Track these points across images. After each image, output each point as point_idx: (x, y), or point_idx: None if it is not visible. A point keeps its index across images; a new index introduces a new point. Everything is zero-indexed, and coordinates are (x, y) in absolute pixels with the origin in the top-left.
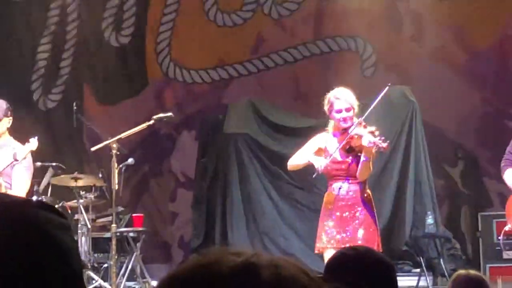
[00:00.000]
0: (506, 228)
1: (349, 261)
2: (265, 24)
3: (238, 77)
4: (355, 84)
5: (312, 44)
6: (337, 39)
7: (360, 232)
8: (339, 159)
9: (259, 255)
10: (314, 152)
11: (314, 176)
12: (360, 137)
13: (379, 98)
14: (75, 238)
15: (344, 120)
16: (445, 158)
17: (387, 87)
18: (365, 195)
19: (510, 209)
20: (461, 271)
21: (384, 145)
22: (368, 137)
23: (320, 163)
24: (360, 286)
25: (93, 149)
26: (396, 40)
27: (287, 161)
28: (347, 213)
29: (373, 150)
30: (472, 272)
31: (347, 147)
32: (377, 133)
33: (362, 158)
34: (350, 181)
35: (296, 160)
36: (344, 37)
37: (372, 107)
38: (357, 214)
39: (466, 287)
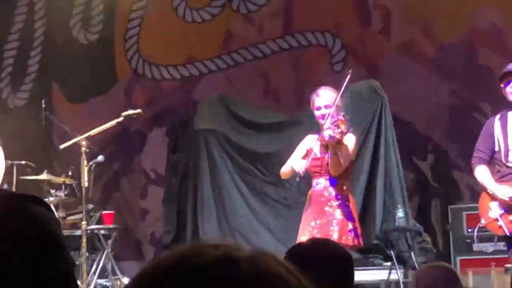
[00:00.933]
0: (480, 224)
1: (307, 252)
2: (233, 20)
3: (207, 73)
4: (325, 79)
5: (281, 39)
6: (306, 34)
7: (335, 228)
8: (318, 155)
9: (238, 248)
10: (304, 155)
11: (297, 180)
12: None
13: (342, 88)
14: None
15: (323, 117)
16: (414, 152)
17: (348, 76)
18: (342, 191)
19: (482, 206)
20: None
21: (337, 136)
22: (328, 131)
23: (300, 166)
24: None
25: (62, 146)
26: (365, 34)
27: (258, 157)
28: (324, 209)
29: (335, 143)
30: (438, 264)
31: (324, 143)
32: (342, 126)
33: (328, 154)
34: (327, 177)
35: (284, 168)
36: (313, 32)
37: (338, 97)
38: (331, 210)
39: (433, 277)
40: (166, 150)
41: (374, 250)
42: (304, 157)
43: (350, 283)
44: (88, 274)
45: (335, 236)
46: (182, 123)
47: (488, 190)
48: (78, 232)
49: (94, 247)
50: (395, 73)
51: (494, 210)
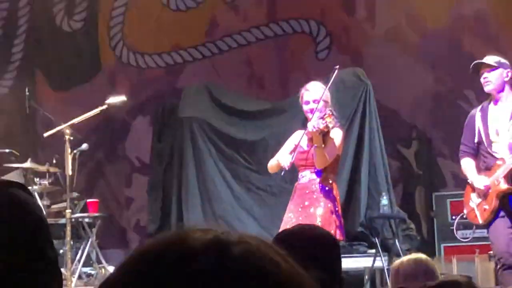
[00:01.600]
0: (462, 214)
1: (294, 237)
2: (218, 8)
3: (192, 61)
4: (309, 67)
5: (265, 27)
6: (291, 21)
7: (317, 220)
8: (305, 149)
9: (228, 232)
10: (292, 150)
11: (282, 174)
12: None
13: (330, 83)
14: None
15: (311, 111)
16: (399, 139)
17: (335, 71)
18: (327, 184)
19: (465, 197)
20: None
21: (321, 126)
22: (312, 122)
23: (285, 161)
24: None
25: (45, 134)
26: (350, 22)
27: (242, 144)
28: (307, 202)
29: (318, 134)
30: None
31: (309, 136)
32: (328, 119)
33: (313, 147)
34: (312, 170)
35: (270, 162)
36: (297, 19)
37: (325, 92)
38: (316, 203)
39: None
40: (151, 138)
41: (359, 238)
42: (292, 151)
43: (338, 269)
44: (72, 263)
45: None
46: (166, 111)
47: (468, 181)
48: (62, 221)
49: (78, 236)
50: (379, 61)
51: (473, 200)
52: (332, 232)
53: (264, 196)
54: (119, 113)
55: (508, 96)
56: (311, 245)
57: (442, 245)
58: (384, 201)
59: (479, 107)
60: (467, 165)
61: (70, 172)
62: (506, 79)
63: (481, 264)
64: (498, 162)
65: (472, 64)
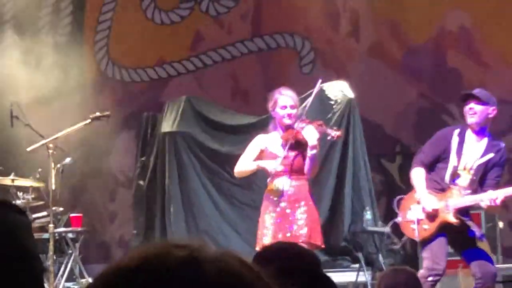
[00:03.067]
0: (396, 220)
1: (274, 255)
2: (202, 22)
3: (176, 75)
4: (294, 81)
5: (250, 42)
6: (275, 36)
7: (304, 230)
8: (283, 155)
9: (203, 249)
10: (257, 155)
11: (268, 180)
12: (303, 130)
13: (313, 94)
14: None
15: (289, 116)
16: (383, 153)
17: (319, 82)
18: (308, 190)
19: (405, 204)
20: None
21: (338, 133)
22: (319, 128)
23: (273, 166)
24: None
25: (29, 149)
26: (334, 37)
27: (226, 158)
28: (289, 210)
29: (328, 138)
30: (400, 268)
31: (293, 142)
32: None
33: (311, 152)
34: (293, 177)
35: (243, 167)
36: (282, 34)
37: (308, 104)
38: (301, 210)
39: (394, 280)
40: (135, 152)
41: (342, 252)
42: (261, 157)
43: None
44: (55, 277)
45: (301, 237)
46: (150, 125)
47: (416, 194)
48: (45, 235)
49: (61, 250)
50: (363, 75)
51: (414, 213)
52: (318, 239)
53: (247, 210)
54: (104, 127)
55: (485, 133)
56: (293, 264)
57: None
58: (368, 215)
59: (458, 131)
60: (419, 177)
61: (53, 187)
62: (490, 115)
63: (464, 279)
64: (454, 191)
65: (463, 92)
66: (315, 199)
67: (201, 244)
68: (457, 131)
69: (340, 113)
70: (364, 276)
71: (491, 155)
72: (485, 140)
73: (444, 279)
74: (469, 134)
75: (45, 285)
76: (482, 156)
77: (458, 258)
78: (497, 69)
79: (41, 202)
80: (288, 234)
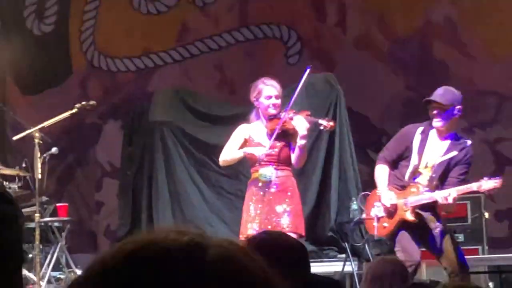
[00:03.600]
0: (361, 217)
1: (262, 245)
2: (189, 12)
3: (163, 65)
4: (280, 72)
5: (236, 32)
6: (262, 26)
7: (287, 220)
8: (267, 144)
9: (203, 235)
10: (241, 144)
11: (257, 165)
12: (293, 120)
13: (302, 82)
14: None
15: (274, 106)
16: (369, 144)
17: (307, 70)
18: (293, 180)
19: (369, 201)
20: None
21: (331, 123)
22: (309, 118)
23: (262, 152)
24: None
25: (15, 138)
26: (321, 28)
27: (213, 149)
28: (274, 200)
29: (321, 128)
30: (388, 257)
31: (280, 131)
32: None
33: (301, 142)
34: (278, 167)
35: (228, 155)
36: (268, 24)
37: (297, 91)
38: (286, 201)
39: (381, 269)
40: (121, 142)
41: (329, 242)
42: (244, 146)
43: (307, 275)
44: (41, 267)
45: (285, 226)
46: (137, 115)
47: (377, 191)
48: (31, 225)
49: (47, 240)
50: (350, 66)
51: (376, 210)
52: (301, 228)
53: (234, 200)
54: (90, 117)
55: (450, 132)
56: (280, 253)
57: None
58: (354, 206)
59: (421, 129)
60: (382, 174)
61: (39, 176)
62: (457, 115)
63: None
64: (412, 189)
65: (424, 100)
66: (302, 189)
67: (203, 231)
68: (420, 129)
69: (326, 105)
70: (351, 266)
71: (454, 153)
72: (449, 139)
73: (431, 269)
74: (433, 133)
75: (31, 274)
76: (444, 154)
77: (422, 249)
78: (483, 60)
79: (27, 192)
80: (274, 223)
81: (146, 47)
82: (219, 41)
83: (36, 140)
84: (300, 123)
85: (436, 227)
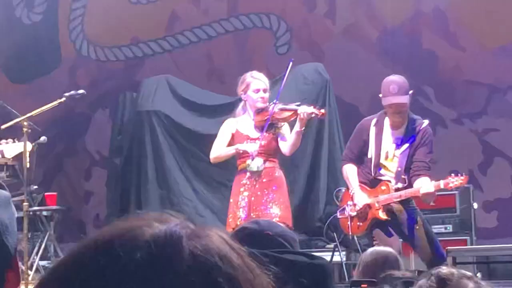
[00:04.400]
0: (336, 215)
1: (252, 234)
2: (178, 1)
3: (152, 54)
4: (269, 62)
5: (226, 21)
6: (251, 16)
7: (276, 209)
8: (255, 136)
9: (184, 223)
10: (229, 140)
11: (252, 160)
12: (283, 111)
13: (286, 75)
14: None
15: (262, 99)
16: None
17: (290, 63)
18: (280, 172)
19: (343, 201)
20: (370, 249)
21: (322, 110)
22: (303, 108)
23: (254, 148)
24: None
25: (3, 127)
26: (310, 17)
27: (202, 139)
28: (262, 192)
29: (312, 116)
30: (380, 248)
31: (269, 124)
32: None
33: (297, 129)
34: (267, 158)
35: (219, 153)
36: (258, 14)
37: (282, 86)
38: (274, 190)
39: (375, 262)
40: (110, 131)
41: (318, 233)
42: (231, 142)
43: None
44: (30, 256)
45: (274, 216)
46: (126, 104)
47: (350, 191)
48: (20, 214)
49: (36, 229)
50: (339, 56)
51: (348, 209)
52: (290, 220)
53: (223, 190)
54: (79, 106)
55: (405, 121)
56: (271, 242)
57: (401, 241)
58: None
59: (374, 121)
60: (351, 172)
61: (28, 165)
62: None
63: (416, 259)
64: (383, 187)
65: (386, 103)
66: (291, 179)
67: (182, 219)
68: (373, 121)
69: (315, 94)
70: (339, 256)
71: (412, 138)
72: (404, 125)
73: (418, 259)
74: (387, 122)
75: (19, 263)
76: (402, 144)
77: None
78: (472, 51)
79: (16, 181)
80: (262, 214)
81: (135, 36)
82: (209, 31)
83: (25, 129)
84: (301, 112)
85: (404, 217)
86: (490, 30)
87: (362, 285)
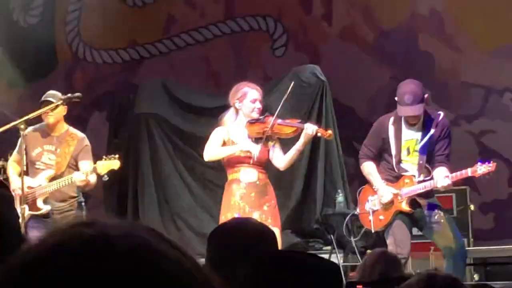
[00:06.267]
0: (355, 212)
1: (230, 230)
2: (175, 4)
3: (149, 57)
4: (266, 64)
5: (222, 24)
6: (248, 18)
7: (271, 218)
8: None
9: (111, 225)
10: (221, 145)
11: (251, 162)
12: (284, 126)
13: (286, 96)
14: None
15: (259, 110)
16: (355, 136)
17: (292, 84)
18: (270, 184)
19: (362, 196)
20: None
21: (329, 132)
22: (310, 126)
23: (258, 149)
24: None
25: (0, 130)
26: (307, 20)
27: (199, 141)
28: (257, 203)
29: (318, 135)
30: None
31: (264, 136)
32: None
33: (298, 146)
34: (260, 170)
35: (219, 152)
36: (254, 16)
37: (280, 105)
38: (265, 203)
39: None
40: (106, 134)
41: (315, 235)
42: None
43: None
44: None
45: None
46: (123, 107)
47: (374, 187)
48: None
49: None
50: (336, 58)
51: (370, 204)
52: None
53: (220, 193)
54: (76, 109)
55: (421, 117)
56: (248, 238)
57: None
58: (340, 198)
59: (392, 118)
60: (371, 169)
61: (25, 168)
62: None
63: (436, 262)
64: (406, 180)
65: (405, 115)
66: (287, 181)
67: (110, 220)
68: (391, 120)
69: (312, 97)
70: (336, 259)
71: (430, 132)
72: (421, 121)
73: (416, 262)
74: (404, 120)
75: None
76: (422, 138)
77: (429, 240)
78: (469, 53)
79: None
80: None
81: (132, 39)
82: (205, 33)
83: (22, 132)
84: (309, 130)
85: (426, 210)
86: (486, 32)
87: (358, 286)
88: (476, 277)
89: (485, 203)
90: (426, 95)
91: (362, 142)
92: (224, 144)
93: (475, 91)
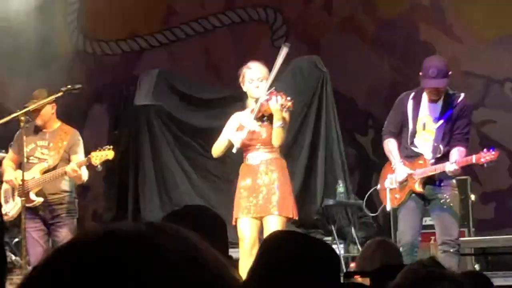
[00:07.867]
0: (376, 187)
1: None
2: None
3: (149, 48)
4: (266, 55)
5: (223, 15)
6: (248, 9)
7: (274, 199)
8: (255, 129)
9: (121, 225)
10: (236, 130)
11: (234, 151)
12: (266, 103)
13: (280, 60)
14: None
15: (257, 88)
16: (355, 127)
17: (284, 48)
18: (280, 162)
19: (383, 173)
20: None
21: (289, 103)
22: (274, 100)
23: (236, 138)
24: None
25: (0, 122)
26: (306, 10)
27: (200, 132)
28: (260, 181)
29: (283, 112)
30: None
31: (259, 115)
32: (283, 98)
33: (275, 123)
34: (264, 149)
35: (218, 144)
36: (254, 7)
37: (274, 72)
38: (272, 181)
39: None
40: (107, 125)
41: (315, 225)
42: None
43: (226, 247)
44: (27, 251)
45: (275, 212)
46: (123, 98)
47: (392, 165)
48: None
49: None
50: (336, 49)
51: (388, 182)
52: (291, 211)
53: (220, 183)
54: (76, 101)
55: (443, 95)
56: (201, 227)
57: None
58: (341, 188)
59: (413, 94)
60: (392, 147)
61: (25, 160)
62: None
63: (436, 251)
64: (420, 161)
65: (426, 87)
66: (289, 172)
67: (118, 222)
68: (412, 95)
69: (312, 87)
70: (337, 249)
71: (450, 112)
72: (441, 100)
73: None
74: (425, 96)
75: (17, 258)
76: (439, 119)
77: (430, 230)
78: (469, 43)
79: None
80: (260, 203)
81: (132, 30)
82: (206, 24)
83: (22, 124)
84: (272, 105)
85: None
86: (487, 22)
87: (355, 276)
88: (477, 267)
89: (485, 193)
90: (450, 72)
91: (362, 132)
92: (240, 127)
93: (476, 81)
